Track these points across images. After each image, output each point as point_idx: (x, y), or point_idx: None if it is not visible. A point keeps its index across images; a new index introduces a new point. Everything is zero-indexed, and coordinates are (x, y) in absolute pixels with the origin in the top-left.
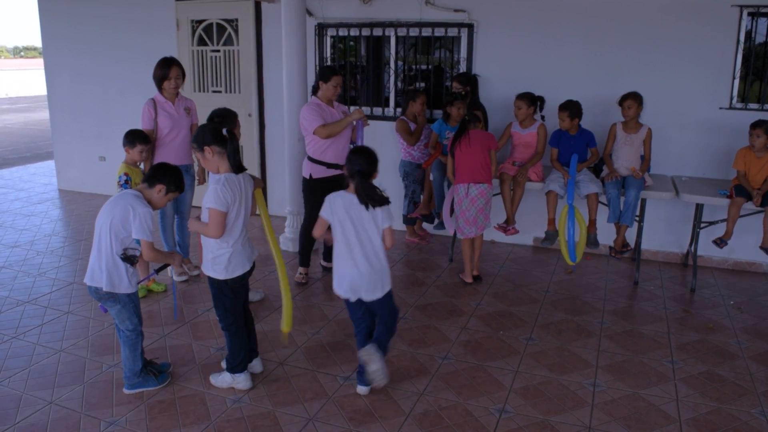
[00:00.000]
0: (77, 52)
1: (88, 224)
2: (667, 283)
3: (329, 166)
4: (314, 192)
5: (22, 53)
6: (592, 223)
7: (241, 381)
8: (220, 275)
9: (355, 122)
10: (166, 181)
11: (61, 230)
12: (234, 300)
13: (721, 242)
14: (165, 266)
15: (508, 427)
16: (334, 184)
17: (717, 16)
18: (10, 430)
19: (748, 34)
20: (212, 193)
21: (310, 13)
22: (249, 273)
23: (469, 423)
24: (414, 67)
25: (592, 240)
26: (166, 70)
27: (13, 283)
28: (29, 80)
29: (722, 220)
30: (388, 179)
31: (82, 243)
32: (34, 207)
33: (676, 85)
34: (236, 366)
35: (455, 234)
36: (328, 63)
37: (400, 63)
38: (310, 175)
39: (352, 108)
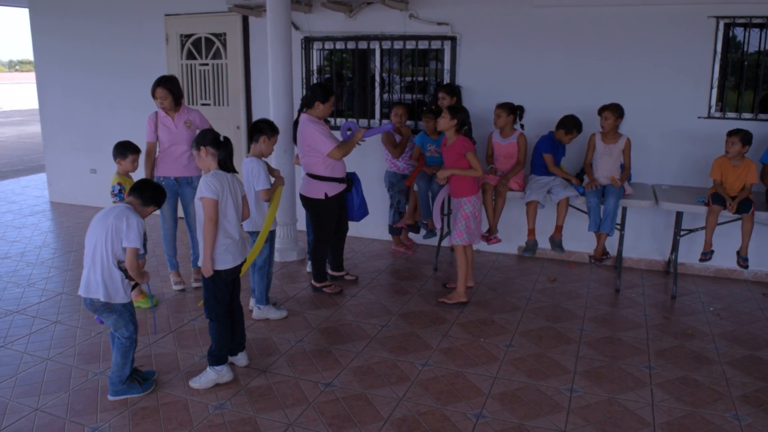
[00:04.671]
0: (68, 67)
1: (78, 236)
2: (649, 291)
3: (340, 181)
4: (332, 209)
5: (17, 67)
6: (558, 229)
7: (226, 373)
8: (216, 266)
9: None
10: (157, 203)
11: (52, 242)
12: (225, 292)
13: (704, 256)
14: (136, 285)
15: (484, 431)
16: (342, 197)
17: (694, 26)
18: None
19: (725, 44)
20: (203, 184)
21: (296, 27)
22: (239, 267)
23: (446, 427)
24: (408, 78)
25: (557, 244)
26: (153, 89)
27: (3, 294)
28: (23, 94)
29: (701, 228)
30: (374, 189)
31: (72, 254)
32: (26, 219)
33: (656, 95)
34: (221, 357)
35: (440, 243)
36: (315, 75)
37: (386, 75)
38: (326, 194)
39: (338, 120)
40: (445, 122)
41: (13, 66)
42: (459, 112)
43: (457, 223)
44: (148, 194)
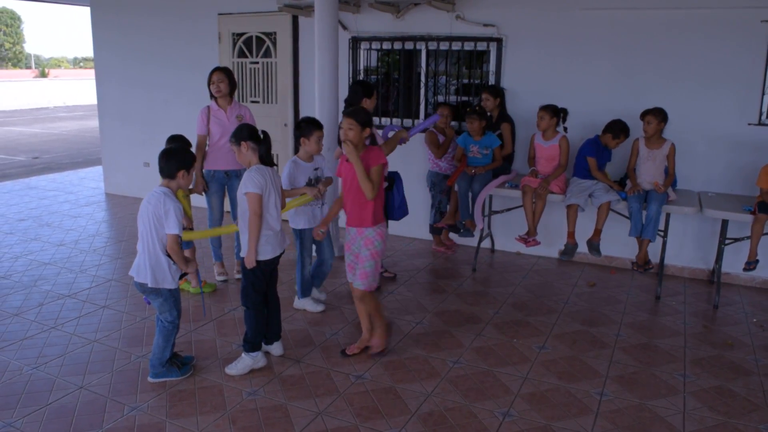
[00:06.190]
0: (126, 61)
1: (130, 226)
2: (690, 299)
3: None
4: None
5: (81, 64)
6: (597, 233)
7: (260, 359)
8: (258, 257)
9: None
10: (184, 164)
11: (105, 231)
12: (262, 281)
13: (748, 266)
14: (184, 274)
15: (510, 429)
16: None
17: (745, 31)
18: (42, 410)
19: None
20: (247, 179)
21: (344, 27)
22: (278, 258)
23: (472, 424)
24: (455, 81)
25: (594, 247)
26: (211, 74)
27: (56, 279)
28: (86, 89)
29: (747, 237)
30: (416, 189)
31: (123, 243)
32: (81, 209)
33: (704, 101)
34: (256, 344)
35: (479, 244)
36: (361, 75)
37: (432, 76)
38: None
39: (383, 120)
40: (356, 135)
41: (77, 63)
42: (360, 115)
43: (363, 261)
44: (162, 165)
